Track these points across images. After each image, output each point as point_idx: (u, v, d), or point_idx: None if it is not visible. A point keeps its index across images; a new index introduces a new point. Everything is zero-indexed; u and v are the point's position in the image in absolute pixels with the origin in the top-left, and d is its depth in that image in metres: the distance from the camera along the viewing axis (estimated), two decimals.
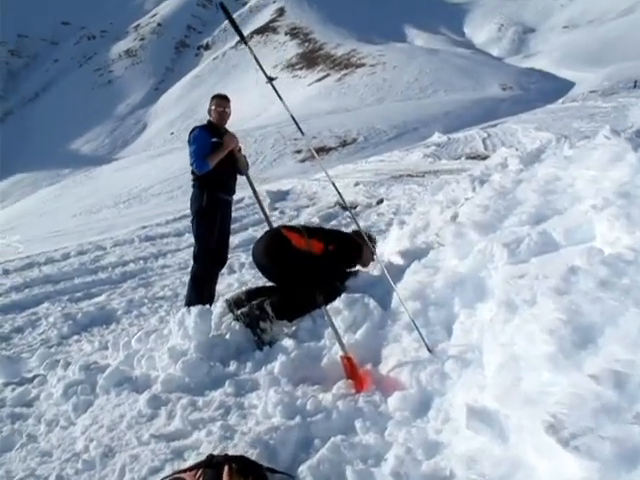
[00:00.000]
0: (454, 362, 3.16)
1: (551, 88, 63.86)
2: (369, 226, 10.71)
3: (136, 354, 4.20)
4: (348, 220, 11.81)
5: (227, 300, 4.59)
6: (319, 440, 2.90)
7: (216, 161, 5.26)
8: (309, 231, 4.74)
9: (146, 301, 7.40)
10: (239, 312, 4.30)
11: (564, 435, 1.93)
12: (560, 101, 49.31)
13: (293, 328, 4.18)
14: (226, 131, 5.53)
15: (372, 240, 5.08)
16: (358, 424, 2.98)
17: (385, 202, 13.34)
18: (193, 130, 5.49)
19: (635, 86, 42.35)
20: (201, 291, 5.39)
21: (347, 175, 20.37)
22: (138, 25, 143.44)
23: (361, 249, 4.80)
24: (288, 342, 3.93)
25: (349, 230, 5.89)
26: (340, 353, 3.56)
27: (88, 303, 7.71)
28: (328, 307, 3.93)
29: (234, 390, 3.57)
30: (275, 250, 4.59)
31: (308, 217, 12.45)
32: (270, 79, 3.92)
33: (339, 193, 4.11)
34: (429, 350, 3.35)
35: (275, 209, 14.06)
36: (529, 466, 2.16)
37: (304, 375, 3.57)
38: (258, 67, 3.87)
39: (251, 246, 9.81)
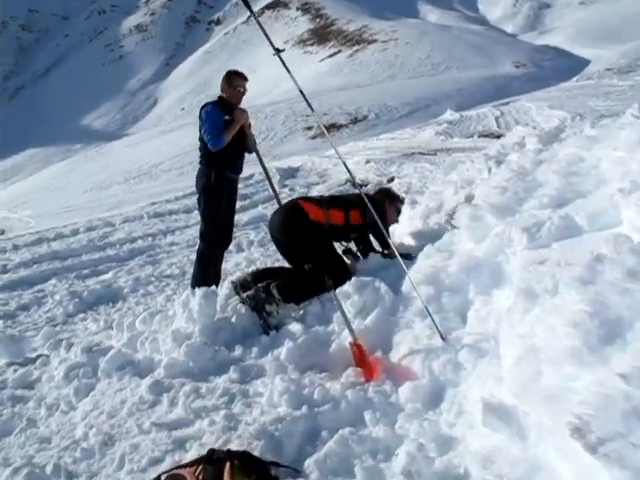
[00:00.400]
0: (469, 352, 3.01)
1: (565, 66, 62.73)
2: None
3: (140, 336, 4.09)
4: None
5: (233, 282, 4.45)
6: (327, 432, 2.78)
7: (230, 137, 5.10)
8: (328, 201, 4.63)
9: (153, 279, 7.33)
10: (245, 295, 4.16)
11: (591, 440, 1.79)
12: (574, 79, 48.43)
13: (301, 312, 4.03)
14: (236, 107, 5.37)
15: (399, 200, 4.94)
16: (367, 416, 2.85)
17: (396, 180, 13.18)
18: (204, 106, 5.32)
19: None
20: (207, 271, 5.27)
21: (358, 152, 20.14)
22: (148, 0, 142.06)
23: (384, 209, 4.66)
24: (295, 327, 3.79)
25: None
26: (349, 339, 3.42)
27: (95, 281, 7.65)
28: (337, 291, 3.77)
29: (239, 376, 3.45)
30: (291, 223, 4.44)
31: (318, 195, 12.28)
32: (277, 51, 3.72)
33: (349, 171, 3.93)
34: (442, 338, 3.21)
35: (285, 186, 13.92)
36: (550, 468, 2.02)
37: (311, 362, 3.44)
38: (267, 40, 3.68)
39: (260, 224, 9.80)
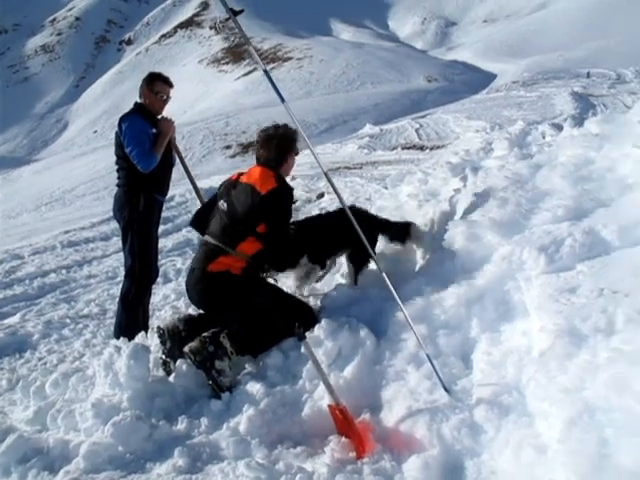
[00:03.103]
0: (486, 408, 2.34)
1: (475, 79, 65.04)
2: None
3: (50, 408, 3.15)
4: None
5: (160, 329, 3.55)
6: None
7: (161, 153, 4.30)
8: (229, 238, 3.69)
9: (68, 321, 6.33)
10: (187, 349, 3.27)
11: None
12: (484, 92, 50.18)
13: (260, 363, 3.21)
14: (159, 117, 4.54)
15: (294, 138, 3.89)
16: None
17: (327, 196, 12.73)
18: (124, 119, 4.41)
19: (588, 76, 43.39)
20: (136, 314, 4.40)
21: None
22: (54, 19, 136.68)
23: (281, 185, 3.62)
24: (254, 386, 2.97)
25: None
26: (328, 401, 2.67)
27: None
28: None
29: (187, 462, 2.59)
30: (215, 293, 3.62)
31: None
32: (234, 13, 2.90)
33: (335, 190, 3.16)
34: (446, 390, 2.53)
35: None
36: None
37: (281, 432, 2.65)
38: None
39: (186, 249, 8.97)
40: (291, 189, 3.72)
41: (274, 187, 3.51)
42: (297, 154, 3.85)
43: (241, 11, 2.80)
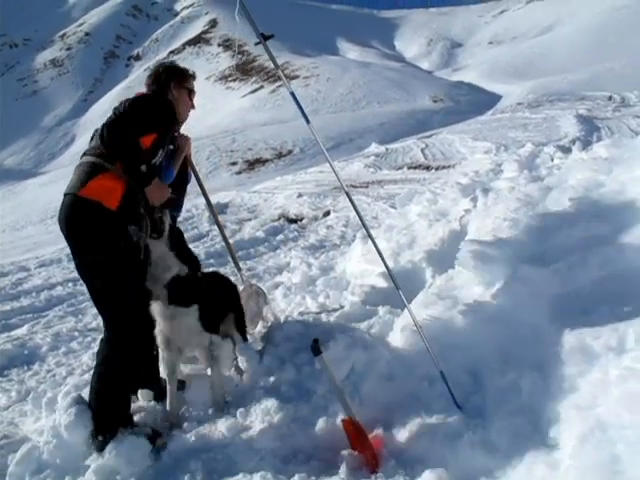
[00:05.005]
0: (499, 426, 2.37)
1: (480, 100, 65.35)
2: (320, 240, 10.12)
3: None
4: (295, 234, 11.20)
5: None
6: None
7: (177, 169, 4.17)
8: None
9: (76, 334, 6.34)
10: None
11: None
12: (490, 112, 50.41)
13: (271, 379, 3.24)
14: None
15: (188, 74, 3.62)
16: None
17: (333, 214, 12.82)
18: None
19: (610, 99, 43.54)
20: None
21: (287, 186, 19.66)
22: (64, 34, 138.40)
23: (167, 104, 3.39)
24: (268, 401, 2.99)
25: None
26: (342, 416, 2.68)
27: (6, 337, 6.58)
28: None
29: (202, 475, 2.59)
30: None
31: (252, 231, 11.65)
32: (264, 37, 2.91)
33: (355, 207, 3.12)
34: (459, 407, 2.57)
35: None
36: None
37: (294, 446, 2.68)
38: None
39: None
40: (167, 100, 3.37)
41: (145, 92, 3.40)
42: (189, 93, 3.69)
43: (271, 36, 2.83)
